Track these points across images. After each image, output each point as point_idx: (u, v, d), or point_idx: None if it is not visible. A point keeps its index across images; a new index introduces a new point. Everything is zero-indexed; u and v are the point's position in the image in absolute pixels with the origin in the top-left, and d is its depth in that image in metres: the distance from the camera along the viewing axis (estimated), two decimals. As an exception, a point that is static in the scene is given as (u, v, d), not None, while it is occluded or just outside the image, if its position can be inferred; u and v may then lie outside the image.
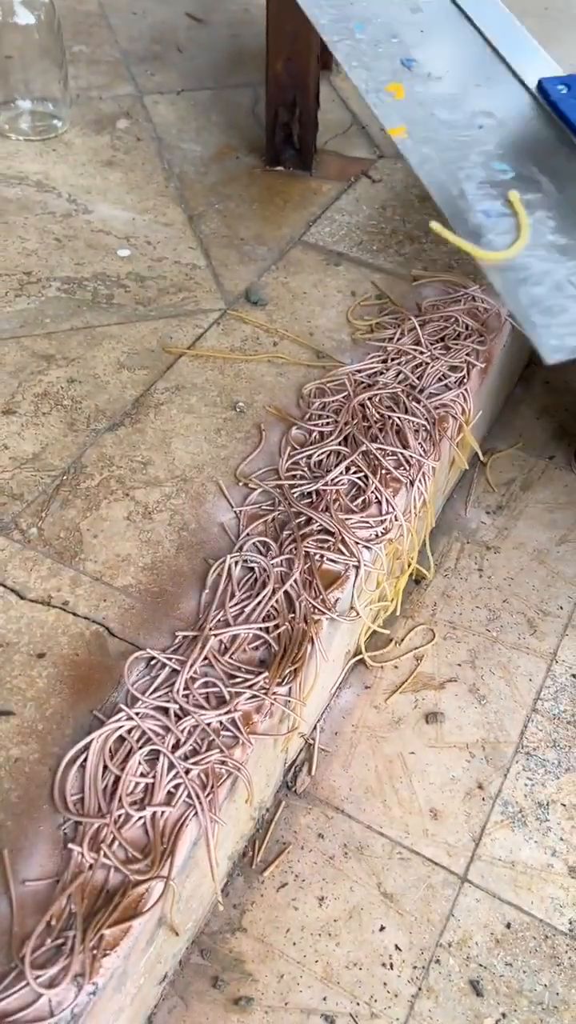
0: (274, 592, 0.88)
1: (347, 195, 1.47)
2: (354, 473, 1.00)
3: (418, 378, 1.11)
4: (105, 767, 0.74)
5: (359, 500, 0.98)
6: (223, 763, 0.76)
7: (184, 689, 0.80)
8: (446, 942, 0.94)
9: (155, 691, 0.80)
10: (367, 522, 0.96)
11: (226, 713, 0.78)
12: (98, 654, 0.83)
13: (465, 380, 1.12)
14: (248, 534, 0.94)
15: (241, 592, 0.88)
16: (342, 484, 0.99)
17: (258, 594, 0.88)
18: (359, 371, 1.13)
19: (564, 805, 1.04)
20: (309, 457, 1.02)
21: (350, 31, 0.80)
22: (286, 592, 0.88)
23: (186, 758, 0.75)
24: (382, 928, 0.94)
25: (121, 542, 0.93)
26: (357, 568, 0.92)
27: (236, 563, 0.91)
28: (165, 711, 0.78)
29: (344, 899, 0.96)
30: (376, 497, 0.98)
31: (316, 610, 0.88)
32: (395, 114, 0.75)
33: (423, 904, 0.96)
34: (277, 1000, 0.89)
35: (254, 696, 0.80)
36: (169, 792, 0.73)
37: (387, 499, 0.98)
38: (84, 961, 0.64)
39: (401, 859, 0.99)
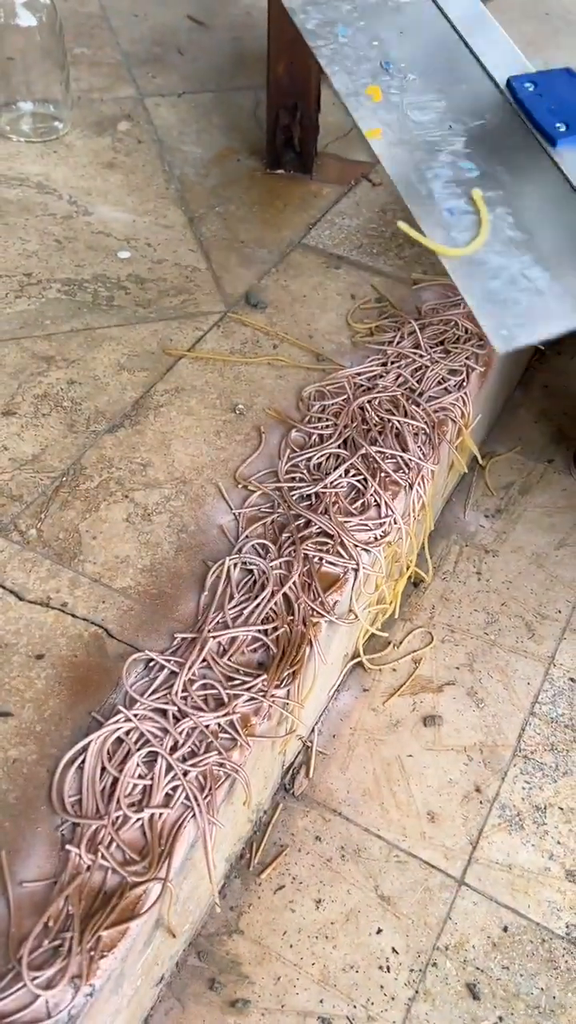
0: (273, 594, 0.88)
1: (347, 198, 1.48)
2: (353, 476, 1.00)
3: (418, 381, 1.12)
4: (103, 769, 0.74)
5: (358, 503, 0.98)
6: (221, 765, 0.76)
7: (183, 691, 0.80)
8: (443, 945, 0.94)
9: (153, 693, 0.80)
10: (366, 525, 0.96)
11: (224, 715, 0.78)
12: (97, 655, 0.84)
13: (464, 384, 1.13)
14: (247, 536, 0.94)
15: (240, 594, 0.88)
16: (341, 487, 0.99)
17: (257, 596, 0.88)
18: (359, 374, 1.13)
19: (561, 809, 1.04)
20: (308, 460, 1.02)
21: (334, 35, 0.82)
22: (285, 595, 0.88)
23: (184, 760, 0.75)
24: (379, 931, 0.94)
25: (120, 544, 0.93)
26: (356, 571, 0.93)
27: (235, 565, 0.91)
28: (163, 713, 0.78)
29: (341, 902, 0.96)
30: (375, 500, 0.98)
31: (315, 613, 0.88)
32: (372, 117, 0.77)
33: (420, 907, 0.96)
34: (274, 1002, 0.89)
35: (252, 698, 0.80)
36: (167, 794, 0.74)
37: (386, 502, 0.98)
38: (81, 963, 0.64)
39: (398, 862, 0.99)
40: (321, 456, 1.02)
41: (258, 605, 0.87)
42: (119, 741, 0.76)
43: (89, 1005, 0.64)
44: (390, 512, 0.98)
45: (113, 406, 1.08)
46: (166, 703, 0.79)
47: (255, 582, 0.90)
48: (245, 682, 0.81)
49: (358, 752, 1.07)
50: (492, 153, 0.74)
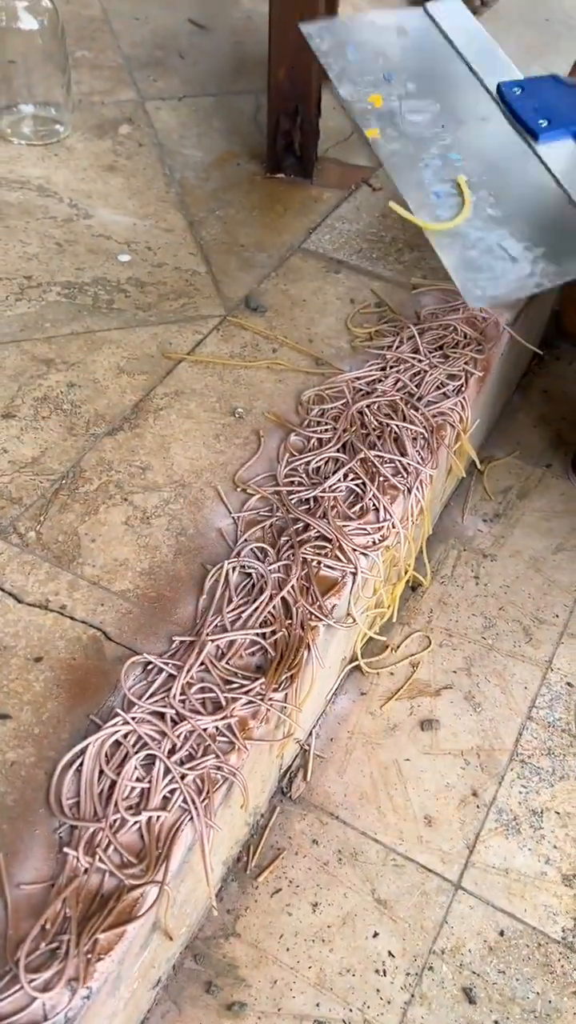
0: (271, 598, 0.88)
1: (347, 203, 1.48)
2: (352, 480, 1.00)
3: (416, 386, 1.12)
4: (101, 771, 0.75)
5: (357, 507, 0.98)
6: (219, 768, 0.76)
7: (180, 694, 0.80)
8: (439, 949, 0.94)
9: (152, 696, 0.80)
10: (364, 529, 0.96)
11: (222, 719, 0.79)
12: (95, 658, 0.84)
13: (463, 388, 1.13)
14: (246, 540, 0.94)
15: (238, 598, 0.89)
16: (340, 491, 0.99)
17: (255, 600, 0.88)
18: (358, 378, 1.13)
19: (558, 813, 1.04)
20: (307, 464, 1.02)
21: (343, 54, 0.89)
22: (283, 598, 0.88)
23: (182, 763, 0.76)
24: (376, 934, 0.94)
25: (119, 547, 0.94)
26: (354, 575, 0.93)
27: (234, 569, 0.91)
28: (161, 716, 0.79)
29: (338, 905, 0.96)
30: (374, 504, 0.98)
31: (313, 616, 0.88)
32: (372, 119, 0.85)
33: (417, 911, 0.96)
34: (270, 1006, 0.89)
35: (250, 702, 0.80)
36: (165, 797, 0.74)
37: (385, 506, 0.98)
38: (78, 965, 0.64)
39: (395, 866, 0.99)
40: (320, 460, 1.03)
41: (256, 609, 0.87)
42: (117, 744, 0.77)
43: (86, 1008, 0.64)
44: (388, 516, 0.98)
45: (113, 409, 1.09)
46: (164, 706, 0.79)
47: (253, 586, 0.90)
48: (243, 686, 0.81)
49: (355, 756, 1.08)
50: (479, 147, 0.82)
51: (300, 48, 1.36)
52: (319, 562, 0.92)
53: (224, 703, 0.80)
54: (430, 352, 1.17)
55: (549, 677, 1.17)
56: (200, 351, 1.18)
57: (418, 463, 1.03)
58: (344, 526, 0.95)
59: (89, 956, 0.65)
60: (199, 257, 1.33)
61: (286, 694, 0.83)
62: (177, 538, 0.95)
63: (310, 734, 1.08)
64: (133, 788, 0.74)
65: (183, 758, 0.76)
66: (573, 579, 1.29)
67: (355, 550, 0.94)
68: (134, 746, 0.76)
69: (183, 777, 0.75)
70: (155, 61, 1.79)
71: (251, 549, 0.93)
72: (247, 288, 1.29)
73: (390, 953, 0.93)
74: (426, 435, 1.07)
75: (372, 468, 1.01)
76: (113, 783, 0.73)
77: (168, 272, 1.30)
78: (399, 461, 1.02)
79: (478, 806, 1.04)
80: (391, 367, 1.15)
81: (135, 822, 0.72)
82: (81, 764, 0.75)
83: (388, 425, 1.06)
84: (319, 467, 1.02)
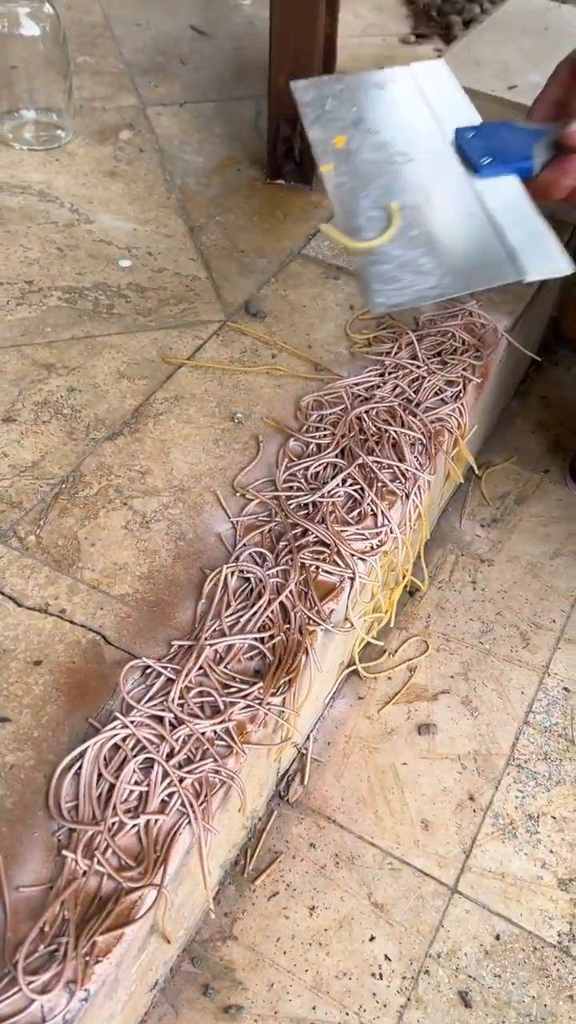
0: (270, 603, 0.89)
1: (347, 209, 1.49)
2: (350, 485, 1.01)
3: (415, 392, 1.13)
4: (100, 775, 0.75)
5: (355, 512, 0.99)
6: (217, 772, 0.77)
7: (179, 698, 0.80)
8: (435, 953, 0.94)
9: (150, 700, 0.81)
10: (362, 534, 0.97)
11: (220, 723, 0.79)
12: (94, 662, 0.84)
13: (461, 394, 1.13)
14: (245, 545, 0.95)
15: (237, 602, 0.89)
16: (338, 496, 1.00)
17: (254, 605, 0.89)
18: (357, 384, 1.14)
19: (554, 817, 1.05)
20: (306, 469, 1.03)
21: (323, 104, 0.94)
22: (281, 603, 0.89)
23: (180, 767, 0.76)
24: (372, 938, 0.95)
25: (119, 551, 0.94)
26: (352, 580, 0.93)
27: (232, 573, 0.92)
28: (160, 720, 0.79)
29: (335, 909, 0.96)
30: (372, 509, 0.99)
31: (311, 621, 0.88)
32: (330, 156, 0.88)
33: (413, 915, 0.97)
34: (267, 1009, 0.89)
35: (248, 706, 0.81)
36: (163, 800, 0.74)
37: (383, 512, 0.99)
38: (76, 967, 0.65)
39: (392, 869, 1.00)
40: (318, 465, 1.03)
41: (255, 613, 0.88)
42: (116, 747, 0.77)
43: (84, 1010, 0.64)
44: (387, 521, 0.98)
45: (113, 414, 1.09)
46: (163, 710, 0.79)
47: (252, 590, 0.90)
48: (241, 690, 0.82)
49: (353, 760, 1.08)
50: (422, 181, 0.85)
51: (300, 54, 1.38)
52: (317, 567, 0.93)
53: (222, 707, 0.80)
54: (428, 358, 1.17)
55: (546, 682, 1.18)
56: (200, 356, 1.18)
57: (416, 469, 1.04)
58: (342, 531, 0.96)
59: (87, 958, 0.65)
60: (199, 262, 1.34)
61: (284, 698, 0.84)
62: (176, 542, 0.96)
63: (308, 738, 1.09)
64: (131, 791, 0.74)
65: (181, 762, 0.76)
66: (570, 584, 1.30)
67: (353, 555, 0.94)
68: (133, 750, 0.77)
69: (181, 781, 0.75)
70: (156, 67, 1.80)
71: (250, 554, 0.94)
72: (247, 294, 1.29)
73: (386, 957, 0.94)
74: (424, 441, 1.07)
75: (370, 473, 1.02)
76: (112, 786, 0.74)
77: (168, 277, 1.31)
78: (397, 467, 1.03)
79: (475, 810, 1.05)
80: (390, 373, 1.15)
81: (133, 825, 0.72)
82: (80, 767, 0.75)
83: (386, 431, 1.07)
84: (318, 472, 1.03)
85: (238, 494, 1.01)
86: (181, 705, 0.80)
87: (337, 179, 0.86)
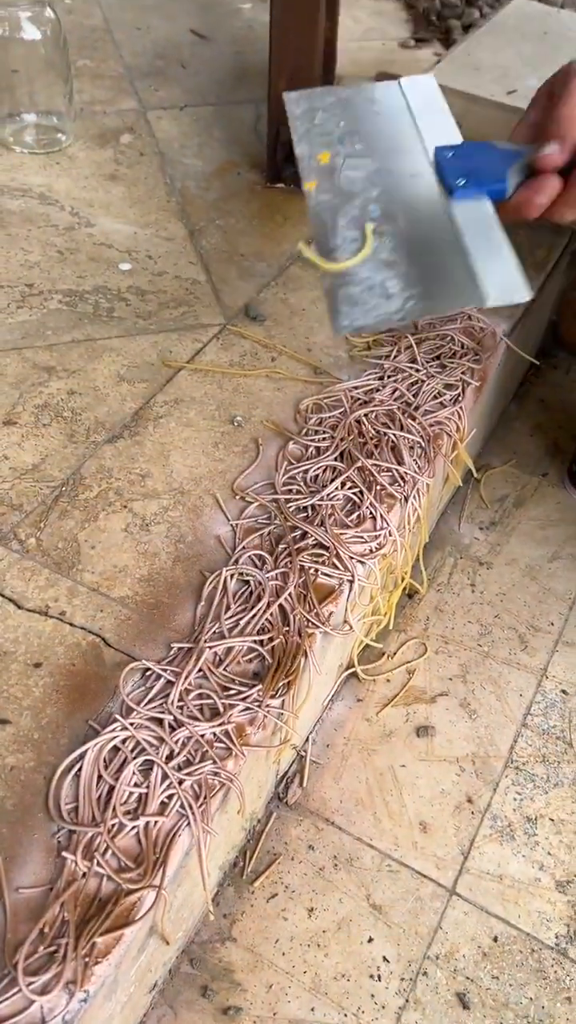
0: (269, 605, 0.89)
1: (346, 213, 1.49)
2: (349, 488, 1.01)
3: (414, 395, 1.13)
4: (99, 777, 0.75)
5: (354, 515, 0.99)
6: (216, 774, 0.77)
7: (179, 700, 0.81)
8: (434, 954, 0.95)
9: (150, 702, 0.81)
10: (361, 537, 0.97)
11: (220, 725, 0.79)
12: (94, 664, 0.84)
13: (460, 398, 1.14)
14: (244, 547, 0.95)
15: (236, 605, 0.90)
16: (337, 499, 1.00)
17: (253, 607, 0.89)
18: (356, 388, 1.14)
19: (552, 820, 1.05)
20: (305, 472, 1.03)
21: (313, 117, 0.94)
22: (281, 605, 0.89)
23: (179, 769, 0.76)
24: (370, 940, 0.95)
25: (118, 553, 0.94)
26: (351, 582, 0.94)
27: (232, 576, 0.92)
28: (159, 722, 0.79)
29: (333, 910, 0.97)
30: (371, 512, 0.99)
31: (310, 623, 0.89)
32: (313, 173, 0.89)
33: (411, 916, 0.97)
34: (265, 1010, 0.89)
35: (247, 708, 0.81)
36: (162, 802, 0.74)
37: (382, 514, 0.99)
38: (76, 968, 0.65)
39: (390, 871, 1.00)
40: (318, 468, 1.04)
41: (254, 616, 0.88)
42: (115, 749, 0.77)
43: (83, 1011, 0.65)
44: (385, 524, 0.99)
45: (113, 417, 1.09)
46: (162, 712, 0.80)
47: (251, 593, 0.91)
48: (240, 692, 0.82)
49: (351, 762, 1.08)
50: (400, 201, 0.85)
51: (300, 58, 1.38)
52: (316, 570, 0.93)
53: (222, 709, 0.81)
54: (427, 362, 1.18)
55: (544, 685, 1.18)
56: (200, 359, 1.19)
57: (415, 472, 1.04)
58: (341, 534, 0.96)
59: (87, 959, 0.66)
60: (199, 266, 1.34)
61: (283, 700, 0.84)
62: (176, 545, 0.96)
63: (307, 740, 1.09)
64: (131, 793, 0.75)
65: (181, 764, 0.77)
66: (568, 587, 1.30)
67: (352, 558, 0.95)
68: (132, 751, 0.77)
69: (181, 783, 0.75)
70: (156, 71, 1.80)
71: (249, 556, 0.94)
72: (247, 297, 1.30)
73: (385, 958, 0.94)
74: (423, 444, 1.08)
75: (369, 477, 1.02)
76: (111, 788, 0.74)
77: (168, 281, 1.31)
78: (396, 470, 1.03)
79: (473, 812, 1.05)
80: (389, 377, 1.16)
81: (133, 827, 0.73)
82: (80, 769, 0.76)
83: (385, 434, 1.07)
84: (317, 475, 1.03)
85: (238, 497, 1.01)
86: (180, 707, 0.80)
87: (318, 197, 0.87)
